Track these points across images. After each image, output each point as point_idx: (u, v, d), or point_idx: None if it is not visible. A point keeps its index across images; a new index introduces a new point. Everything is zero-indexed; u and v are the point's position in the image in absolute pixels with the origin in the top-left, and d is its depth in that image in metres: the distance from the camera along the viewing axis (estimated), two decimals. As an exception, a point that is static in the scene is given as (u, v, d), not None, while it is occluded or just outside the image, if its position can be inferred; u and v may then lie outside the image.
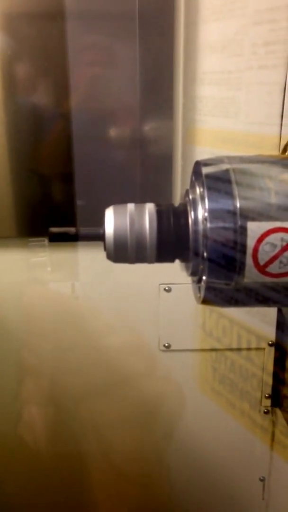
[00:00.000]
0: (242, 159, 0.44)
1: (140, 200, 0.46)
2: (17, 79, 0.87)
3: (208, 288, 0.42)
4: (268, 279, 0.41)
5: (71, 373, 1.04)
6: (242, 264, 0.40)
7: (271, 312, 0.98)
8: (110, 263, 0.47)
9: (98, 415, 1.05)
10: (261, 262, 0.40)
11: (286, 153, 0.62)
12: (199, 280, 0.44)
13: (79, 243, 0.47)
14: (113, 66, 0.88)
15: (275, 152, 0.80)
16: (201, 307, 1.01)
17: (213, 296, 0.43)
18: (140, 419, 1.08)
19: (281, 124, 0.81)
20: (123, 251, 0.44)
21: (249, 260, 0.40)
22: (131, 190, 0.93)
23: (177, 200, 0.48)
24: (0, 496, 1.08)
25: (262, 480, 1.12)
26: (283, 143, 0.81)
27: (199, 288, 0.45)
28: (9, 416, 1.05)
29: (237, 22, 0.81)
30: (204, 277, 0.42)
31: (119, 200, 0.47)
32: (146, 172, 0.92)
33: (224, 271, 0.41)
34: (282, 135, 0.82)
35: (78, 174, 0.91)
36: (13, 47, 0.84)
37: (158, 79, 0.88)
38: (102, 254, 0.46)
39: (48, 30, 0.84)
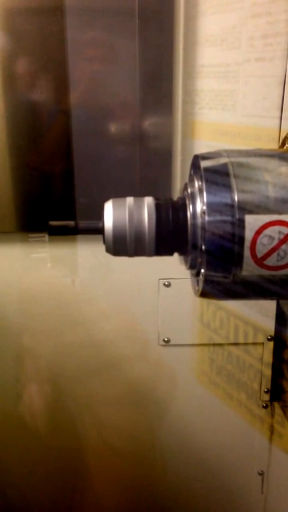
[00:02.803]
0: (240, 153, 0.44)
1: (140, 194, 0.46)
2: (17, 74, 0.87)
3: (206, 281, 0.43)
4: (265, 272, 0.41)
5: (71, 368, 1.05)
6: (240, 257, 0.40)
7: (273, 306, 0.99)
8: (110, 259, 0.47)
9: (94, 394, 1.06)
10: (259, 255, 0.40)
11: (285, 147, 0.62)
12: (198, 273, 0.45)
13: (79, 238, 0.48)
14: (113, 61, 0.88)
15: (273, 145, 0.80)
16: (201, 301, 1.01)
17: (211, 289, 0.43)
18: (138, 406, 1.08)
19: (281, 117, 0.81)
20: (122, 244, 0.44)
21: (247, 253, 0.40)
22: (131, 185, 0.93)
23: (176, 194, 0.49)
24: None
25: (261, 474, 1.13)
26: (282, 136, 0.81)
27: (198, 281, 0.45)
28: (8, 395, 1.06)
29: (234, 15, 0.81)
30: (202, 270, 0.43)
31: (119, 195, 0.47)
32: (146, 167, 0.92)
33: (222, 264, 0.41)
34: (281, 128, 0.82)
35: (78, 169, 0.91)
36: (12, 43, 0.84)
37: (158, 74, 0.88)
38: (102, 249, 0.46)
39: (47, 26, 0.84)
